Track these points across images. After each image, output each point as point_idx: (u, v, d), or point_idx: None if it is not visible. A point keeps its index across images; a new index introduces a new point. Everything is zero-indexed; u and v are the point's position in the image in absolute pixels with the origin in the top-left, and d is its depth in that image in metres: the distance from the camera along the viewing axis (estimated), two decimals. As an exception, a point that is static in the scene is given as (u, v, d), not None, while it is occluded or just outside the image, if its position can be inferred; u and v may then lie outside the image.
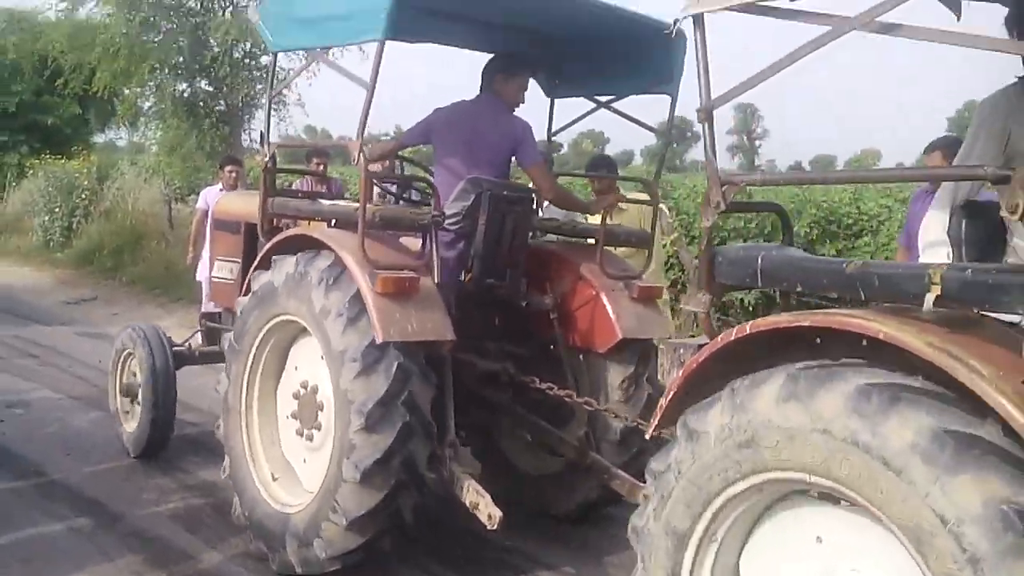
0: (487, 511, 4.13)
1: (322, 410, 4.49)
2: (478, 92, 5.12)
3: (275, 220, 5.27)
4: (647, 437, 3.05)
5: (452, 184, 4.83)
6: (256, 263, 4.93)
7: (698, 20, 2.78)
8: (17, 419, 7.20)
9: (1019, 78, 3.09)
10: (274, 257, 4.71)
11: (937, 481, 2.05)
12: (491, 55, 5.22)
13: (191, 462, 6.28)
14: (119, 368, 6.48)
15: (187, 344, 6.66)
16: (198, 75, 16.56)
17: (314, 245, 4.54)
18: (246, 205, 5.83)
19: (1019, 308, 2.23)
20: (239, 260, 6.00)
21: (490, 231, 4.79)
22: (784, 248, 3.06)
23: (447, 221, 4.71)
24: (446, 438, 4.45)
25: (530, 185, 5.22)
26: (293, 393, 4.68)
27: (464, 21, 5.28)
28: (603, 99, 5.41)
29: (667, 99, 5.00)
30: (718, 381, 2.62)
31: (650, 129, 5.42)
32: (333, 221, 4.93)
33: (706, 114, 2.78)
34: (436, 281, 4.48)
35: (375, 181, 5.32)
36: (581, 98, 5.52)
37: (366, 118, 4.34)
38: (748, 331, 2.56)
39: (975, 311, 2.36)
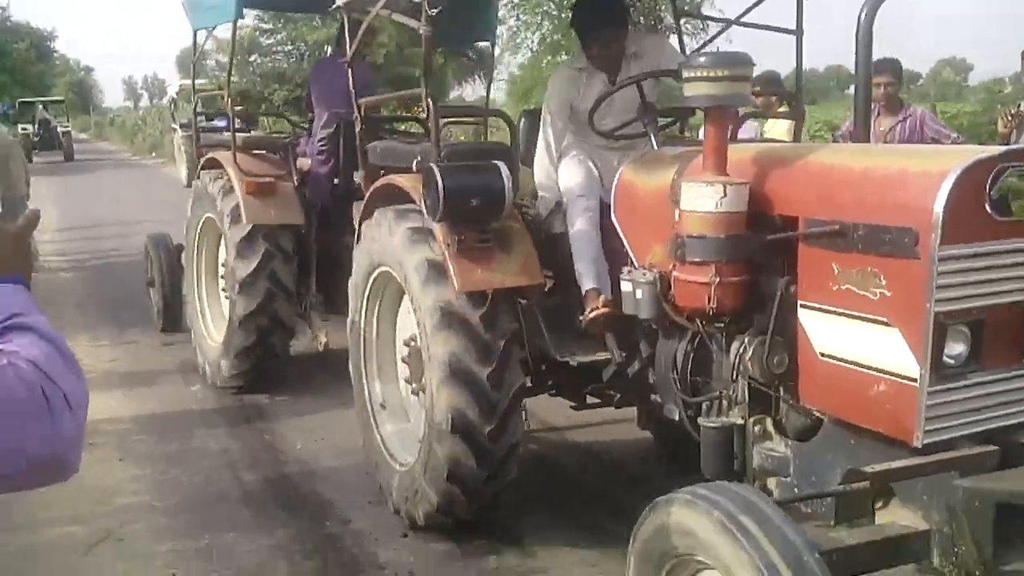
0: (321, 338, 6.45)
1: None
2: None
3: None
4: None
5: (321, 118, 6.49)
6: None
7: None
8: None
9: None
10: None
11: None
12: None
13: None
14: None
15: None
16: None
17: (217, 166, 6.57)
18: None
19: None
20: None
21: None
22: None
23: (319, 143, 6.40)
24: (308, 294, 6.53)
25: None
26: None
27: None
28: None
29: None
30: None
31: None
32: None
33: None
34: (295, 185, 6.42)
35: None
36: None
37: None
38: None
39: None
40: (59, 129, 34.80)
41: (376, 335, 4.78)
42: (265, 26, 27.69)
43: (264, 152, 6.90)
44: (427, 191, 3.79)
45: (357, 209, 4.88)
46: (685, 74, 3.00)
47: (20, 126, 33.05)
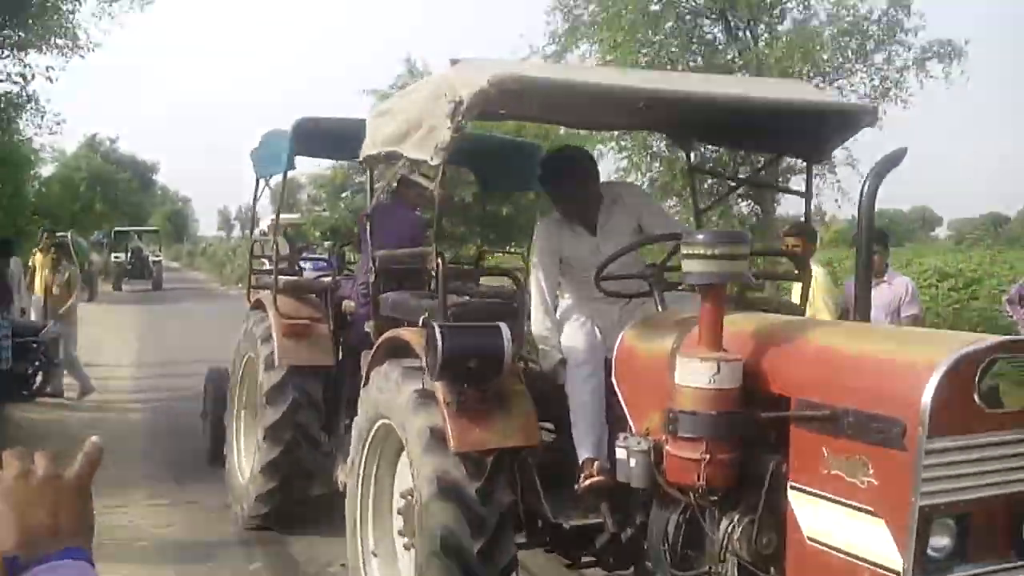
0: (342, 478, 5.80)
1: None
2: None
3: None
4: None
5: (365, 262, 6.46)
6: None
7: None
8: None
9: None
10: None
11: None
12: None
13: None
14: None
15: None
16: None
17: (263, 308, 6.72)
18: None
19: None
20: None
21: None
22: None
23: (360, 287, 6.25)
24: (336, 434, 6.40)
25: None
26: None
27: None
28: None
29: None
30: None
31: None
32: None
33: None
34: (331, 328, 6.50)
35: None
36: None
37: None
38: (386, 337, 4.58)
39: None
40: (151, 259, 35.15)
41: (375, 481, 4.75)
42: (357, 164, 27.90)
43: (310, 295, 7.04)
44: (428, 350, 3.84)
45: (365, 358, 4.94)
46: (683, 250, 3.08)
47: (114, 255, 34.13)
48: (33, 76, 10.84)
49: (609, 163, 16.40)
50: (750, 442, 3.06)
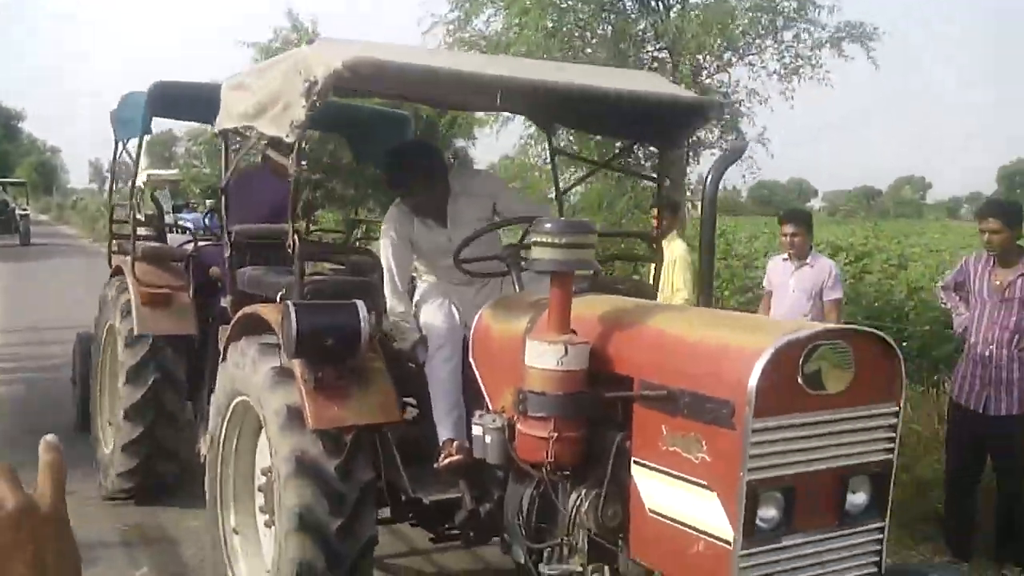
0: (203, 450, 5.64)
1: None
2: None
3: None
4: None
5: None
6: None
7: None
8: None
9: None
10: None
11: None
12: None
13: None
14: None
15: None
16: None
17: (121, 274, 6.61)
18: None
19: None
20: None
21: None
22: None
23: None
24: (200, 404, 6.36)
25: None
26: None
27: None
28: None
29: None
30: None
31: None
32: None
33: None
34: (192, 295, 6.39)
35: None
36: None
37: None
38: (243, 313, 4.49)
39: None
40: (17, 212, 33.41)
41: (235, 457, 4.72)
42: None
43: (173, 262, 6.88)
44: (284, 328, 3.84)
45: (223, 333, 4.89)
46: (532, 238, 3.18)
47: None
48: None
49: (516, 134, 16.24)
50: (596, 420, 3.20)
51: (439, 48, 12.16)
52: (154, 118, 6.35)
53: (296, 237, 4.05)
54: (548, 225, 3.17)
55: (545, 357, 3.10)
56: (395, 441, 4.11)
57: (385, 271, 4.47)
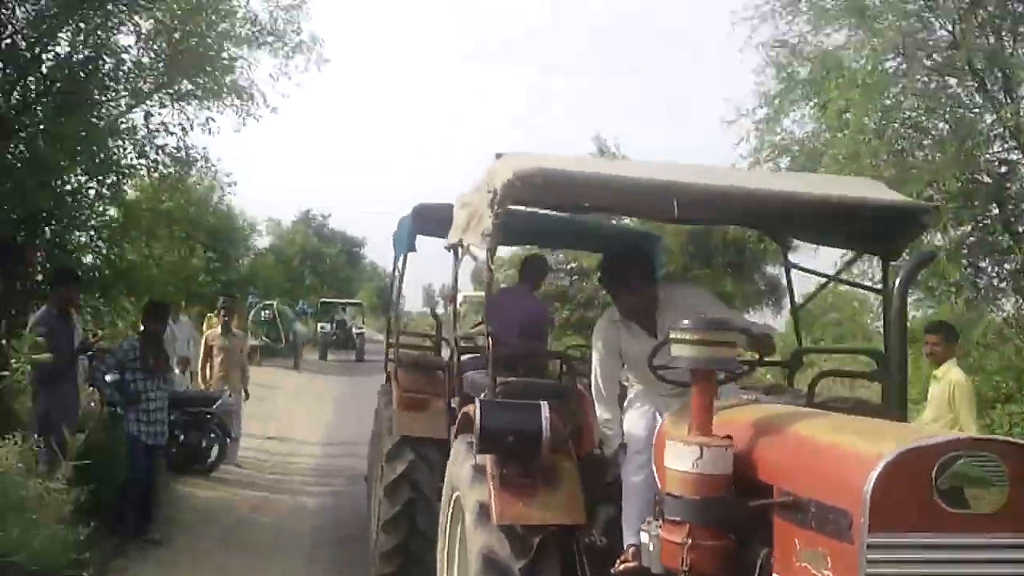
0: None
1: None
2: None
3: None
4: None
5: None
6: None
7: None
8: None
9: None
10: None
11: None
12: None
13: None
14: None
15: None
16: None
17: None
18: None
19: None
20: None
21: None
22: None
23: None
24: None
25: None
26: None
27: None
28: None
29: None
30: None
31: None
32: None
33: None
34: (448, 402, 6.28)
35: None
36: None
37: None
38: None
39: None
40: (354, 330, 36.04)
41: (458, 552, 4.85)
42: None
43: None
44: (474, 426, 4.03)
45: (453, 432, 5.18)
46: (672, 335, 3.15)
47: (320, 325, 35.75)
48: (192, 127, 10.94)
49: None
50: (743, 531, 3.04)
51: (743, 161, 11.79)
52: (418, 236, 6.95)
53: (490, 340, 4.26)
54: (687, 322, 3.13)
55: (681, 459, 3.03)
56: (584, 549, 4.11)
57: (592, 382, 4.56)
